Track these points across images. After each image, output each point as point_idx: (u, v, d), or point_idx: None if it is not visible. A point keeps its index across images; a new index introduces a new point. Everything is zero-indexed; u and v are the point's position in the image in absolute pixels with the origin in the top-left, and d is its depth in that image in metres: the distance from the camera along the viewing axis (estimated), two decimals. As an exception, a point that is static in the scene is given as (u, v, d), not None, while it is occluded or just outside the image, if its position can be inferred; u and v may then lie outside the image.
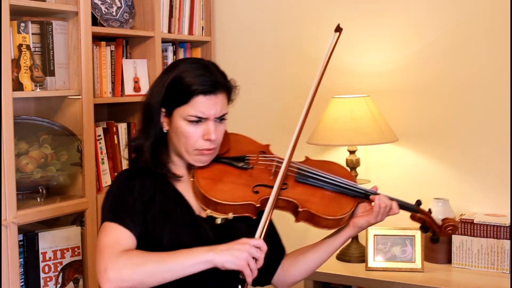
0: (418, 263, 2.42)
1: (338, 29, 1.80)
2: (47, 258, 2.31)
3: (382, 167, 2.77)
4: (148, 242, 1.59)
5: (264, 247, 1.56)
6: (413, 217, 1.82)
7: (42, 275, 2.30)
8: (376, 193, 1.77)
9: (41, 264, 2.30)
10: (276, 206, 1.67)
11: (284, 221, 1.90)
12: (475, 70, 2.57)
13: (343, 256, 2.58)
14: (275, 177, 1.71)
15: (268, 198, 1.66)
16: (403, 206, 1.80)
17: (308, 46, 2.92)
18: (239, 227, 1.69)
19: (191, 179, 1.70)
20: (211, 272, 1.55)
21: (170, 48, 2.93)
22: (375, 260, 2.46)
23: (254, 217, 1.66)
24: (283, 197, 1.68)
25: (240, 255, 1.51)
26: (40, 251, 2.29)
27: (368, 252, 2.46)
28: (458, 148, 2.62)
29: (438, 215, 2.47)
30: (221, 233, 1.66)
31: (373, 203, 1.73)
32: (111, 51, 2.65)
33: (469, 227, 2.41)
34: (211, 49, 3.12)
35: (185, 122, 1.63)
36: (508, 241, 2.35)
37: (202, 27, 3.09)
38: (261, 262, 1.55)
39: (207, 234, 1.64)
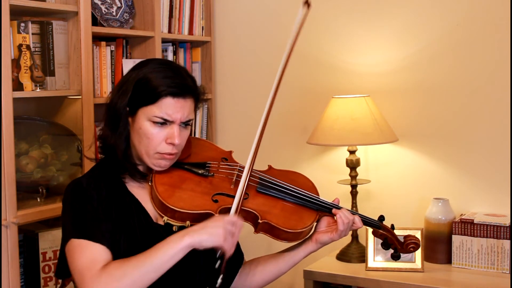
0: (418, 263, 2.41)
1: (307, 2, 1.64)
2: (47, 258, 2.31)
3: (382, 167, 2.77)
4: None
5: (239, 222, 1.53)
6: (375, 233, 1.78)
7: (42, 275, 2.30)
8: (338, 207, 1.73)
9: (41, 264, 2.30)
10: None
11: (246, 228, 1.87)
12: (475, 70, 2.57)
13: (343, 256, 2.58)
14: (236, 186, 1.66)
15: (227, 208, 1.61)
16: (365, 221, 1.76)
17: (308, 46, 2.92)
18: None
19: (149, 184, 1.64)
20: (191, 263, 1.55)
21: (170, 48, 2.93)
22: (375, 260, 2.46)
23: None
24: (243, 207, 1.63)
25: (217, 231, 1.47)
26: (40, 251, 2.29)
27: (368, 252, 2.46)
28: (458, 148, 2.62)
29: (438, 215, 2.48)
30: None
31: (335, 217, 1.71)
32: (111, 51, 2.65)
33: (469, 227, 2.41)
34: (211, 49, 3.12)
35: (149, 123, 1.58)
36: (508, 241, 2.35)
37: (202, 27, 3.09)
38: (237, 238, 1.52)
39: None
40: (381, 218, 1.79)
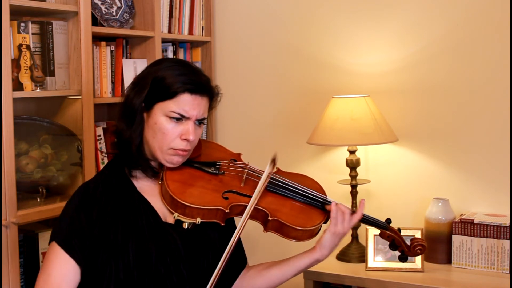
0: (418, 263, 2.41)
1: (273, 161, 1.70)
2: (47, 258, 2.31)
3: (382, 167, 2.77)
4: (115, 255, 1.56)
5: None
6: (382, 235, 1.81)
7: (42, 275, 2.30)
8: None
9: (41, 264, 2.30)
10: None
11: (254, 232, 1.87)
12: (475, 70, 2.57)
13: (343, 256, 2.58)
14: (245, 184, 1.70)
15: (237, 205, 1.63)
16: (372, 222, 1.78)
17: (308, 46, 2.92)
18: (208, 234, 1.67)
19: (160, 182, 1.66)
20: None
21: (170, 48, 2.93)
22: (375, 260, 2.46)
23: (222, 224, 1.63)
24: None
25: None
26: (40, 251, 2.29)
27: (368, 252, 2.46)
28: (458, 148, 2.62)
29: (438, 215, 2.48)
30: (189, 240, 1.64)
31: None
32: (111, 51, 2.65)
33: (469, 227, 2.41)
34: (211, 49, 3.12)
35: (165, 118, 1.60)
36: (508, 241, 2.35)
37: (202, 27, 3.09)
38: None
39: (175, 242, 1.61)
40: (388, 220, 1.82)
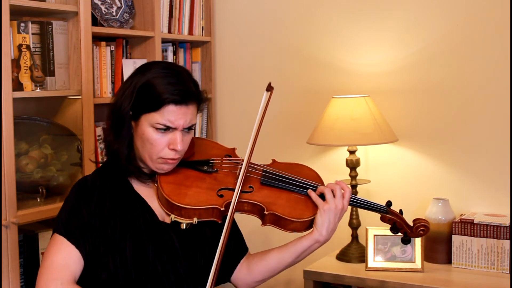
0: (418, 263, 2.42)
1: (270, 88, 1.71)
2: (47, 258, 2.31)
3: (382, 167, 2.77)
4: (112, 252, 1.57)
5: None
6: (383, 219, 1.78)
7: (42, 275, 2.30)
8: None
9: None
10: (241, 209, 1.65)
11: (253, 223, 1.87)
12: (475, 70, 2.57)
13: (343, 256, 2.58)
14: None
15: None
16: (371, 207, 1.76)
17: (308, 46, 2.92)
18: (205, 232, 1.68)
19: (155, 184, 1.66)
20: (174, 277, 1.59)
21: (170, 48, 2.93)
22: (375, 260, 2.46)
23: (219, 221, 1.63)
24: (249, 200, 1.65)
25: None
26: (40, 251, 2.29)
27: (368, 252, 2.46)
28: (458, 148, 2.62)
29: (438, 215, 2.48)
30: (186, 239, 1.64)
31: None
32: (111, 51, 2.65)
33: (469, 227, 2.41)
34: (211, 49, 3.12)
35: (152, 129, 1.59)
36: (508, 241, 2.35)
37: (202, 27, 3.09)
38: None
39: (172, 241, 1.62)
40: (389, 203, 1.79)
